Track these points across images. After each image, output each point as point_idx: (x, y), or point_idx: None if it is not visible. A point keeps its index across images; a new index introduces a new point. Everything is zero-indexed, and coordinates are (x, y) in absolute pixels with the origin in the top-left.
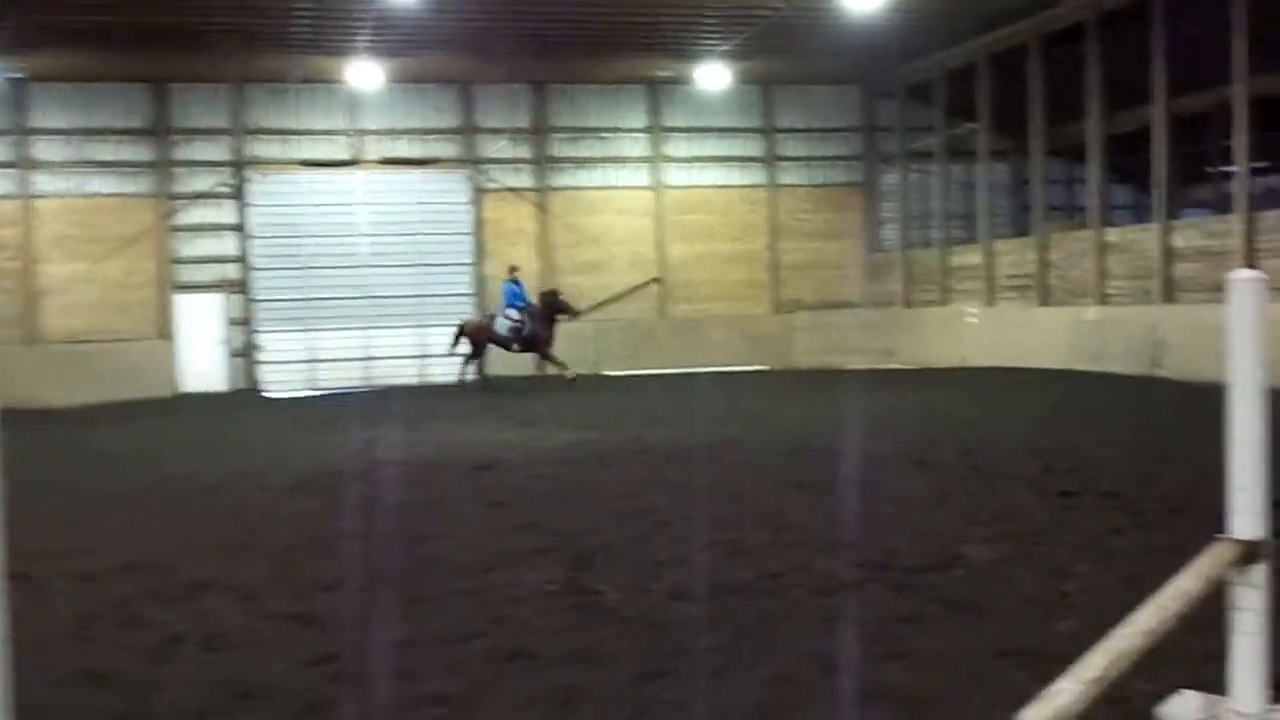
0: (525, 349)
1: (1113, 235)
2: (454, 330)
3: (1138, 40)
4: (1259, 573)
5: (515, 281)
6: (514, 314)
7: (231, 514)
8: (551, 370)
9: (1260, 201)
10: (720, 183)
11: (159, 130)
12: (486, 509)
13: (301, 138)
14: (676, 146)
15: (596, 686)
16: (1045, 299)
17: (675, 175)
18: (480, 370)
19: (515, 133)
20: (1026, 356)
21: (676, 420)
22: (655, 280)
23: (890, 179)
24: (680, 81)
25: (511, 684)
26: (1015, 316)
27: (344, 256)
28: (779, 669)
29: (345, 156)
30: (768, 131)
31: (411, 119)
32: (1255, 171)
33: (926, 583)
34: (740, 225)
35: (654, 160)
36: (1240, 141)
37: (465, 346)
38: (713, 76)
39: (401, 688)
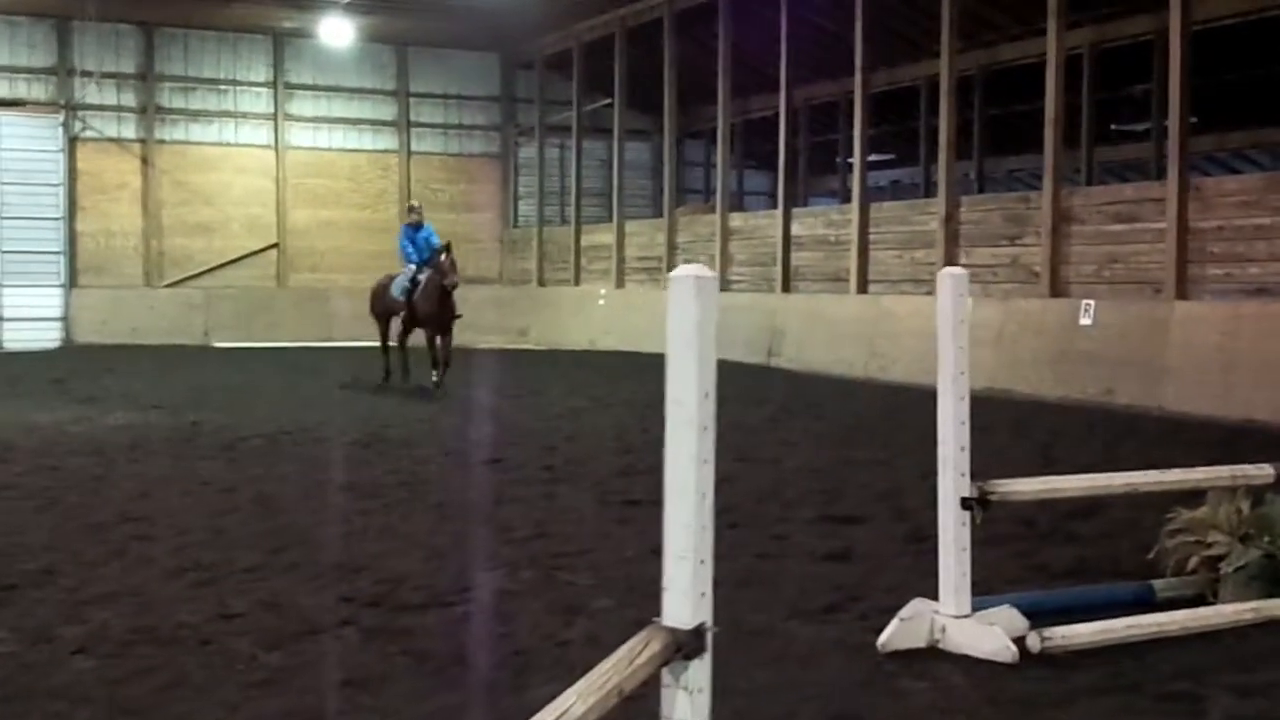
0: (415, 323)
1: (737, 220)
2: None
3: (769, 25)
4: (697, 672)
5: (416, 225)
6: (411, 269)
7: None
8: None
9: (884, 193)
10: (349, 146)
11: None
12: None
13: None
14: (302, 104)
15: None
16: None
17: (300, 135)
18: (401, 354)
19: (119, 78)
20: (653, 340)
21: (259, 401)
22: (274, 246)
23: (529, 152)
24: (305, 34)
25: None
26: (643, 299)
27: None
28: None
29: None
30: (401, 95)
31: None
32: (881, 164)
33: (412, 625)
34: (370, 192)
35: (277, 118)
36: (858, 133)
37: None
38: (338, 31)
39: None
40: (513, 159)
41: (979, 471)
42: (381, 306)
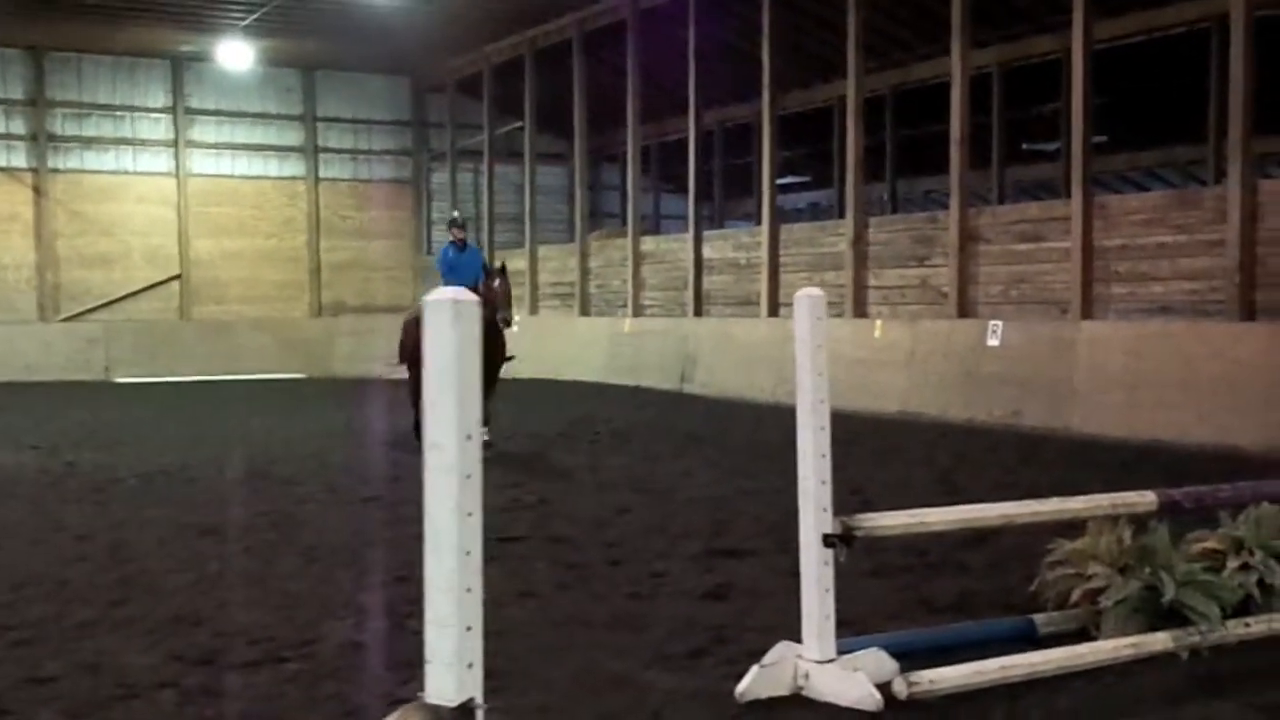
0: None
1: (649, 244)
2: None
3: (680, 46)
4: None
5: (460, 244)
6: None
7: None
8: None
9: (803, 215)
10: (254, 173)
11: None
12: None
13: None
14: (204, 130)
15: None
16: (585, 308)
17: (202, 162)
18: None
19: (7, 104)
20: (566, 368)
21: (149, 438)
22: (176, 277)
23: (441, 177)
24: (205, 58)
25: None
26: (556, 325)
27: None
28: None
29: None
30: (308, 119)
31: None
32: (798, 186)
33: (239, 685)
34: (277, 220)
35: (177, 144)
36: (767, 154)
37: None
38: (238, 54)
39: None
40: (424, 184)
41: (881, 500)
42: (414, 347)
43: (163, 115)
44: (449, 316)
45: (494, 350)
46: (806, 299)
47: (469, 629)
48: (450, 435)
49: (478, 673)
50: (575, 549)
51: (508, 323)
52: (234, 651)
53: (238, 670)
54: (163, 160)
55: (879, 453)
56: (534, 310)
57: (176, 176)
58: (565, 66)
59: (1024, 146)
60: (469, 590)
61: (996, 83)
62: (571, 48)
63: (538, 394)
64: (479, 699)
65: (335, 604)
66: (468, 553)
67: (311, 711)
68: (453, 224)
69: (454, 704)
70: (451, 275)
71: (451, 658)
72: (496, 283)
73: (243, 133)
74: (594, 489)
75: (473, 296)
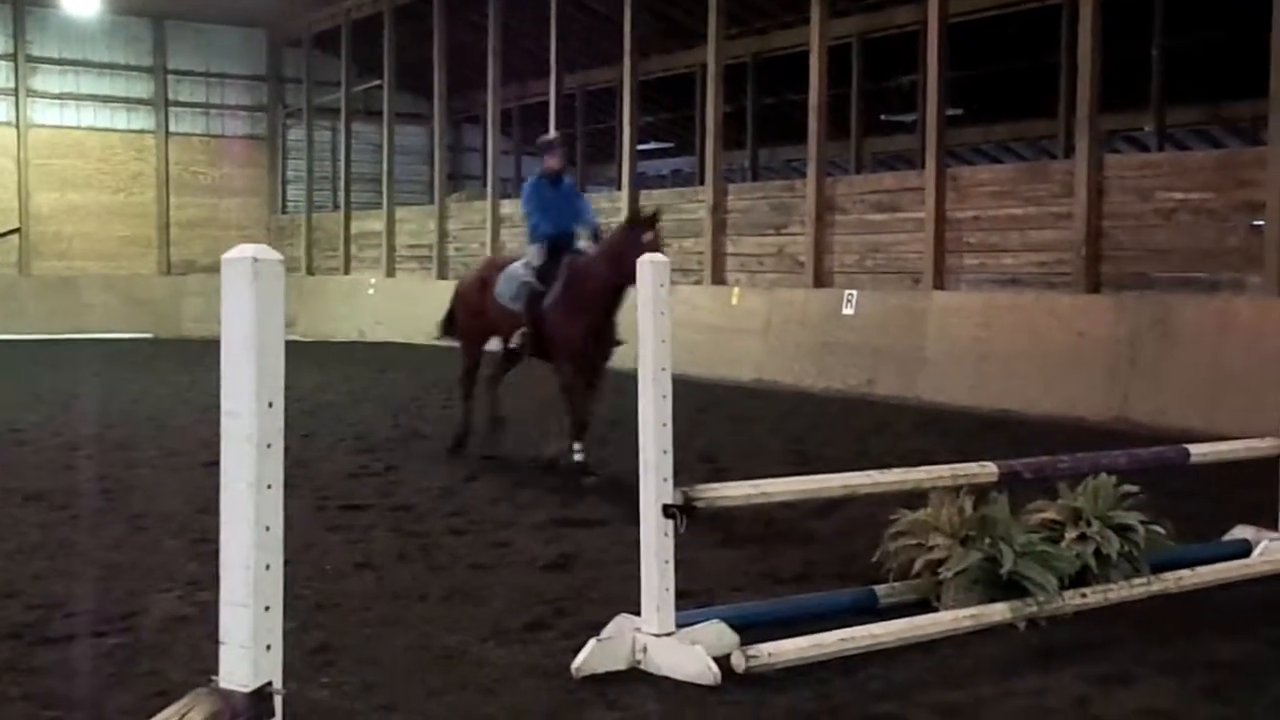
0: (540, 350)
1: (508, 208)
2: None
3: (542, 7)
4: None
5: (554, 175)
6: (533, 255)
7: None
8: (555, 433)
9: (665, 181)
10: (100, 125)
11: None
12: None
13: None
14: (46, 80)
15: None
16: (443, 271)
17: (44, 113)
18: (492, 400)
19: None
20: (423, 331)
21: None
22: (15, 230)
23: (297, 134)
24: (48, 3)
25: None
26: (413, 288)
27: None
28: None
29: None
30: (158, 71)
31: None
32: (661, 152)
33: (50, 661)
34: (124, 175)
35: (18, 93)
36: (628, 119)
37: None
38: (82, 2)
39: None
40: (280, 141)
41: (733, 469)
42: (474, 319)
43: (2, 62)
44: (249, 276)
45: (607, 333)
46: (650, 265)
47: (267, 609)
48: (248, 402)
49: (276, 655)
50: (419, 518)
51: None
52: (48, 625)
53: (49, 645)
54: (1, 109)
55: (734, 420)
56: (390, 273)
57: (16, 127)
58: (426, 25)
59: (882, 118)
60: (268, 567)
61: (856, 53)
62: (433, 6)
63: (393, 358)
64: (278, 683)
65: (161, 575)
66: (267, 528)
67: (124, 689)
68: (547, 147)
69: (249, 689)
70: (544, 219)
71: (248, 639)
72: (648, 236)
73: (89, 83)
74: (444, 456)
75: (275, 255)
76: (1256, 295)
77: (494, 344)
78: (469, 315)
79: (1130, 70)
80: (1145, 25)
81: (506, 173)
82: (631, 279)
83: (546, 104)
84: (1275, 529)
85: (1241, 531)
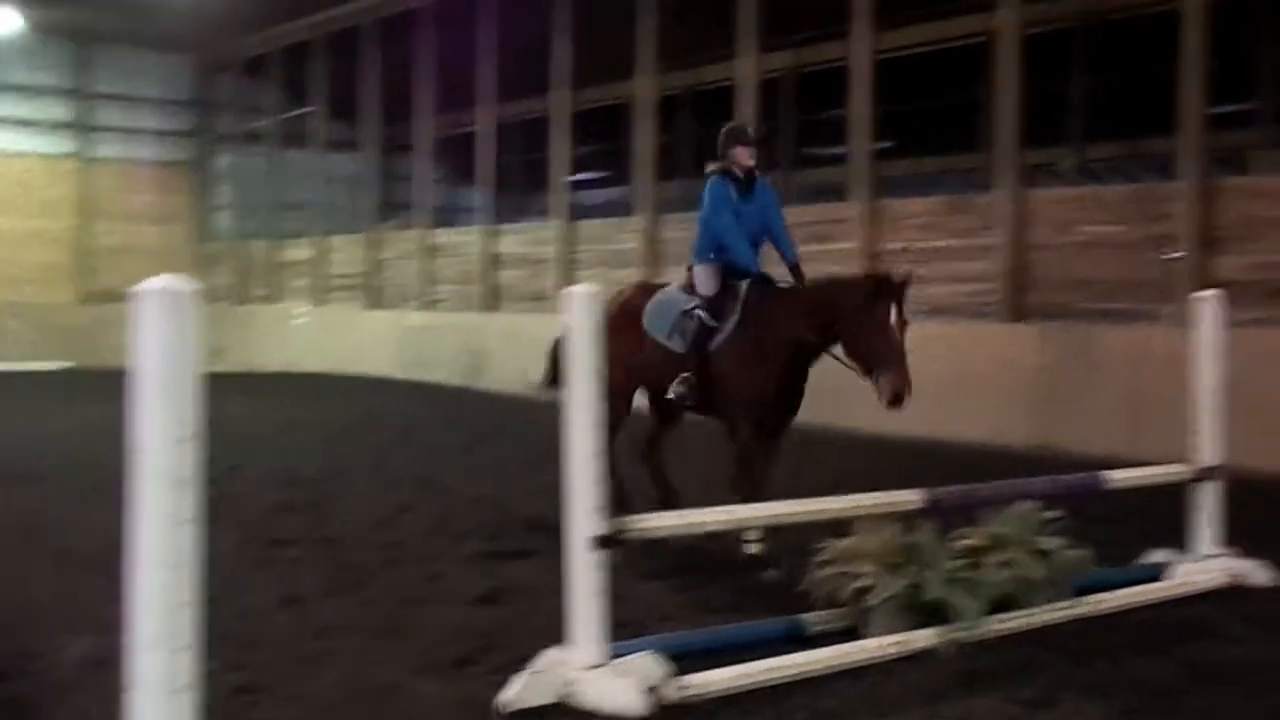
0: (709, 404)
1: (441, 237)
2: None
3: (476, 37)
4: None
5: (745, 177)
6: (701, 280)
7: None
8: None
9: (601, 211)
10: (17, 149)
11: None
12: None
13: None
14: None
15: None
16: (375, 301)
17: None
18: (657, 470)
19: None
20: (354, 362)
21: None
22: None
23: (225, 161)
24: None
25: None
26: (345, 318)
27: None
28: None
29: None
30: (80, 95)
31: None
32: (597, 181)
33: None
34: (41, 200)
35: None
36: (562, 149)
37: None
38: (4, 20)
39: None
40: (208, 168)
41: (696, 500)
42: (622, 362)
43: None
44: (162, 308)
45: (796, 389)
46: (580, 295)
47: (181, 650)
48: (162, 438)
49: (191, 698)
50: (350, 551)
51: (895, 403)
52: None
53: None
54: None
55: (671, 451)
56: (321, 302)
57: None
58: (359, 52)
59: (812, 151)
60: (181, 606)
61: (787, 87)
62: (365, 33)
63: (322, 387)
64: None
65: (78, 616)
66: (182, 566)
67: None
68: (736, 138)
69: None
70: (726, 233)
71: (161, 682)
72: (894, 315)
73: (6, 105)
74: (375, 487)
75: (189, 285)
76: (1170, 325)
77: (639, 397)
78: (617, 357)
79: (1052, 106)
80: (1065, 63)
81: (438, 202)
82: (848, 349)
83: (474, 133)
84: (1188, 552)
85: (1157, 555)
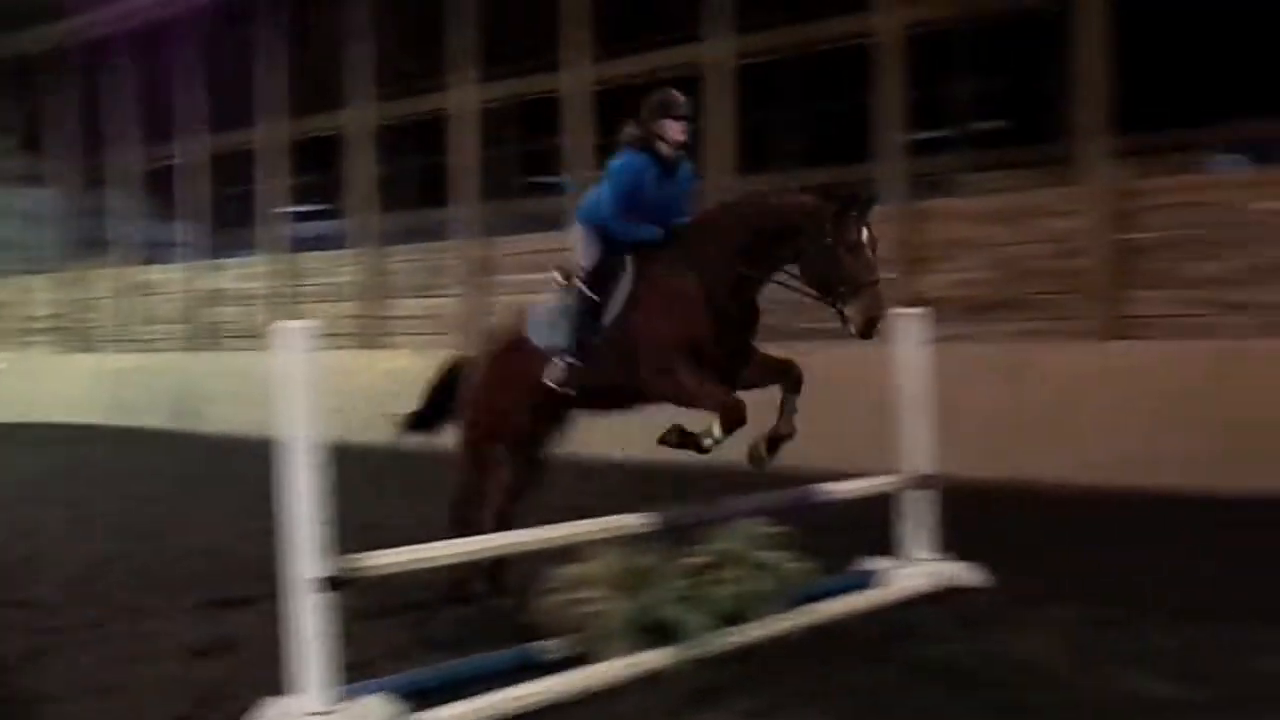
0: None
1: (147, 274)
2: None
3: (178, 67)
4: None
5: (671, 154)
6: (583, 246)
7: None
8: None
9: (324, 243)
10: None
11: None
12: None
13: None
14: None
15: None
16: (76, 343)
17: None
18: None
19: None
20: (57, 409)
21: None
22: None
23: None
24: None
25: None
26: (46, 363)
27: None
28: None
29: None
30: None
31: None
32: (317, 213)
33: None
34: None
35: None
36: (275, 182)
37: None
38: None
39: None
40: None
41: (399, 537)
42: (493, 403)
43: None
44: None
45: (746, 320)
46: (292, 331)
47: None
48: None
49: None
50: (51, 612)
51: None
52: None
53: None
54: None
55: (402, 488)
56: (22, 346)
57: None
58: (52, 81)
59: (532, 180)
60: None
61: (502, 117)
62: (62, 62)
63: (20, 439)
64: None
65: None
66: None
67: None
68: (667, 109)
69: None
70: (629, 221)
71: None
72: (865, 234)
73: None
74: (77, 540)
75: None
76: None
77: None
78: (486, 396)
79: (762, 135)
80: (775, 94)
81: (145, 237)
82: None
83: (186, 165)
84: (903, 558)
85: (875, 563)
